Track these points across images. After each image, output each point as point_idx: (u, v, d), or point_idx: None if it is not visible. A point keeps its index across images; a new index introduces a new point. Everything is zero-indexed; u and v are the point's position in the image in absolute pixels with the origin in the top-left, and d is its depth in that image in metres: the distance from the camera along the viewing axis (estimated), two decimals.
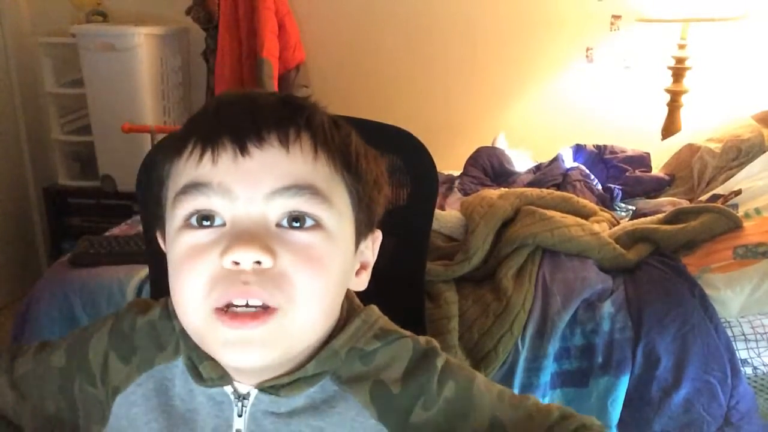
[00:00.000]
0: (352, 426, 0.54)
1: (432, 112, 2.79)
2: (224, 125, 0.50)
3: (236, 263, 0.47)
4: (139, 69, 2.61)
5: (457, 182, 2.14)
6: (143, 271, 1.47)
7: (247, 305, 0.48)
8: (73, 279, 1.50)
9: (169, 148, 0.54)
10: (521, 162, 2.31)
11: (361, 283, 0.58)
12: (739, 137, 2.02)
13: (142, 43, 2.59)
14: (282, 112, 0.51)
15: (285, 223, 0.50)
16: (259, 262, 0.48)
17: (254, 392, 0.55)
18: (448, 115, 2.81)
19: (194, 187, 0.49)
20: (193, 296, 0.49)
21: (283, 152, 0.49)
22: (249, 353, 0.49)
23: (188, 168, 0.51)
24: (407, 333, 0.60)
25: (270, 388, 0.54)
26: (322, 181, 0.51)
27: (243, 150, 0.48)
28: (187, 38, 2.90)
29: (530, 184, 2.03)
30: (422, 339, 0.59)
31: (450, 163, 2.21)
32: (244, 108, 0.51)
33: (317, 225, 0.50)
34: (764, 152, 1.86)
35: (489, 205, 1.57)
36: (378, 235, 0.59)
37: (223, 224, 0.49)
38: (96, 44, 2.60)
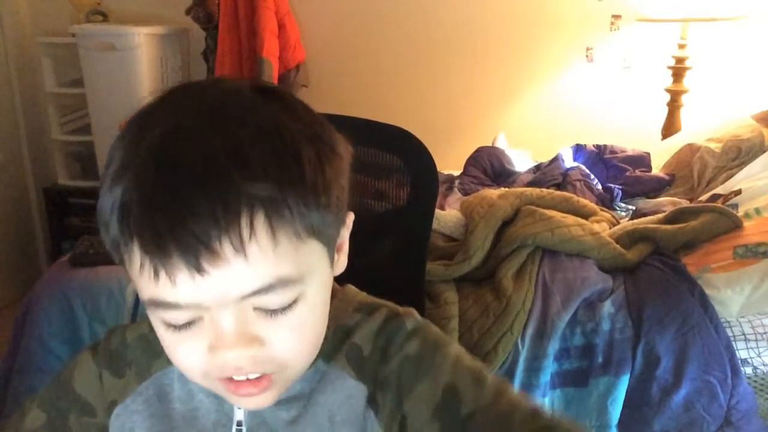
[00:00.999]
0: (333, 389, 0.56)
1: (432, 112, 2.79)
2: (170, 239, 0.43)
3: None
4: (139, 69, 2.61)
5: (457, 182, 2.14)
6: None
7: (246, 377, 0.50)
8: (73, 279, 1.50)
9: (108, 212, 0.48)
10: (521, 162, 2.31)
11: (340, 266, 0.56)
12: (739, 137, 2.02)
13: (142, 43, 2.59)
14: (221, 202, 0.44)
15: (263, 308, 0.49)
16: None
17: None
18: (448, 115, 2.81)
19: (161, 305, 0.47)
20: (194, 376, 0.52)
21: (240, 260, 0.44)
22: (253, 404, 0.53)
23: (145, 280, 0.46)
24: (387, 303, 0.60)
25: None
26: (290, 265, 0.47)
27: (200, 270, 0.44)
28: (187, 38, 2.91)
29: (530, 184, 2.03)
30: (401, 308, 0.59)
31: (450, 163, 2.21)
32: (176, 209, 0.44)
33: (295, 301, 0.49)
34: (764, 152, 1.86)
35: (489, 205, 1.57)
36: (350, 217, 0.56)
37: (202, 318, 0.48)
38: (96, 44, 2.60)
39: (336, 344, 0.57)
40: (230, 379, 0.50)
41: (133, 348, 0.62)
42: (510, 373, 1.36)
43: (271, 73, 2.57)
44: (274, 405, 0.56)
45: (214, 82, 0.52)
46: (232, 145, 0.45)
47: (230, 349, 0.47)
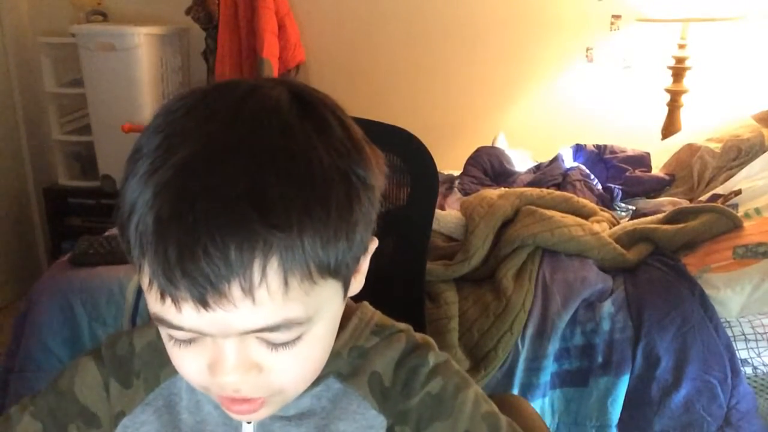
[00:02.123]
0: (354, 419, 0.56)
1: (432, 112, 2.79)
2: (179, 271, 0.42)
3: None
4: (139, 69, 2.61)
5: (457, 182, 2.14)
6: None
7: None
8: (73, 279, 1.50)
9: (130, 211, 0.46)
10: (521, 162, 2.31)
11: (356, 287, 0.55)
12: (739, 137, 2.02)
13: (142, 43, 2.59)
14: (237, 245, 0.42)
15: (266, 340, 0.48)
16: None
17: None
18: (448, 115, 2.81)
19: (164, 323, 0.47)
20: (191, 381, 0.52)
21: (247, 302, 0.43)
22: (246, 418, 0.55)
23: (152, 298, 0.46)
24: (403, 326, 0.60)
25: None
26: (299, 306, 0.46)
27: (205, 306, 0.43)
28: (187, 38, 2.90)
29: (530, 184, 2.03)
30: (418, 335, 0.60)
31: (450, 163, 2.21)
32: (189, 243, 0.42)
33: (299, 337, 0.48)
34: (764, 152, 1.86)
35: (489, 205, 1.57)
36: (374, 243, 0.54)
37: (205, 338, 0.48)
38: (96, 44, 2.60)
39: (353, 365, 0.57)
40: (226, 397, 0.50)
41: (141, 356, 0.61)
42: (510, 373, 1.36)
43: (271, 73, 2.57)
44: (285, 420, 0.56)
45: (253, 91, 0.48)
46: (256, 185, 0.43)
47: (229, 374, 0.47)
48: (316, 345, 0.50)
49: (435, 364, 0.57)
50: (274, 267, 0.43)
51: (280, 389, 0.50)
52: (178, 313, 0.44)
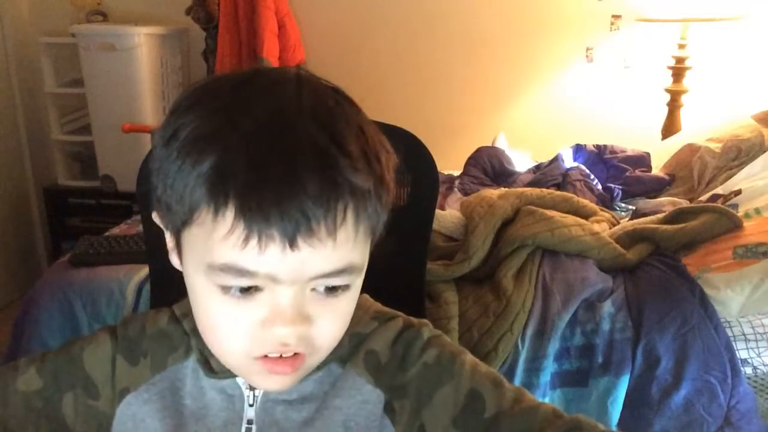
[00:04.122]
0: (350, 394, 0.57)
1: (432, 112, 2.79)
2: (275, 209, 0.45)
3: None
4: (139, 69, 2.61)
5: (457, 182, 2.14)
6: (143, 271, 1.47)
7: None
8: (73, 279, 1.50)
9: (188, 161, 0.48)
10: (521, 162, 2.31)
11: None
12: (739, 137, 2.02)
13: (142, 43, 2.59)
14: (329, 186, 0.46)
15: (321, 289, 0.51)
16: None
17: None
18: (448, 115, 2.81)
19: (238, 271, 0.47)
20: (231, 349, 0.52)
21: (330, 242, 0.47)
22: (278, 386, 0.54)
23: (229, 245, 0.46)
24: (400, 314, 0.62)
25: None
26: (359, 254, 0.50)
27: (293, 245, 0.46)
28: (187, 38, 2.91)
29: (530, 184, 2.03)
30: (415, 320, 0.61)
31: (450, 163, 2.21)
32: (288, 183, 0.45)
33: (347, 287, 0.52)
34: (764, 152, 1.86)
35: (489, 205, 1.57)
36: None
37: (263, 289, 0.49)
38: (96, 44, 2.60)
39: (352, 350, 0.59)
40: (266, 357, 0.51)
41: (150, 340, 0.63)
42: (510, 373, 1.36)
43: None
44: (287, 404, 0.57)
45: (296, 77, 0.52)
46: (336, 137, 0.47)
47: (286, 326, 0.49)
48: (352, 303, 0.53)
49: (429, 337, 0.59)
50: (351, 210, 0.47)
51: (319, 346, 0.52)
52: (258, 257, 0.46)
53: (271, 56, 2.57)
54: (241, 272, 0.47)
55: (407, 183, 0.96)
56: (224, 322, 0.51)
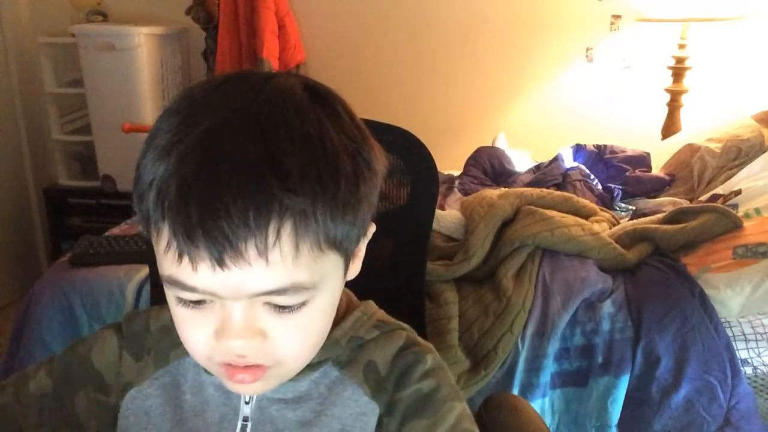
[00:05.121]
0: (348, 405, 0.57)
1: (432, 112, 2.79)
2: (200, 230, 0.45)
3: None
4: (139, 69, 2.61)
5: (457, 182, 2.14)
6: (143, 271, 1.47)
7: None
8: (73, 279, 1.50)
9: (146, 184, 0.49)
10: (521, 162, 2.31)
11: (353, 272, 0.57)
12: (739, 137, 2.02)
13: (142, 43, 2.59)
14: (255, 207, 0.45)
15: (273, 305, 0.50)
16: None
17: None
18: (448, 115, 2.81)
19: (181, 285, 0.49)
20: (196, 353, 0.53)
21: (261, 262, 0.46)
22: (248, 390, 0.56)
23: (168, 260, 0.48)
24: (405, 326, 0.62)
25: None
26: (305, 272, 0.48)
27: (222, 266, 0.46)
28: (187, 38, 2.91)
29: (530, 184, 2.03)
30: (421, 339, 0.61)
31: (450, 163, 2.21)
32: (211, 205, 0.45)
33: (304, 304, 0.50)
34: (764, 152, 1.86)
35: (489, 205, 1.57)
36: (372, 228, 0.56)
37: (214, 301, 0.50)
38: (96, 44, 2.60)
39: (351, 355, 0.59)
40: (228, 364, 0.52)
41: (154, 336, 0.64)
42: (510, 373, 1.36)
43: None
44: (282, 403, 0.57)
45: (269, 78, 0.52)
46: (275, 153, 0.46)
47: (235, 339, 0.49)
48: (317, 317, 0.52)
49: (432, 366, 0.58)
50: (287, 231, 0.46)
51: (282, 359, 0.52)
52: (193, 274, 0.47)
53: (271, 56, 2.57)
54: (183, 287, 0.48)
55: (407, 183, 0.96)
56: (185, 329, 0.52)
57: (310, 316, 0.51)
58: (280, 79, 0.52)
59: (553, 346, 1.37)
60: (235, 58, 2.66)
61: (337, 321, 0.58)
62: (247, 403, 0.59)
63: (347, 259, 0.53)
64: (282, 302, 0.49)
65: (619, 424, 1.37)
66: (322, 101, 0.52)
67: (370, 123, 0.92)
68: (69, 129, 2.89)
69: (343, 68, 2.83)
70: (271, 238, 0.46)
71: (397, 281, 0.98)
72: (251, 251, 0.45)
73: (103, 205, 2.76)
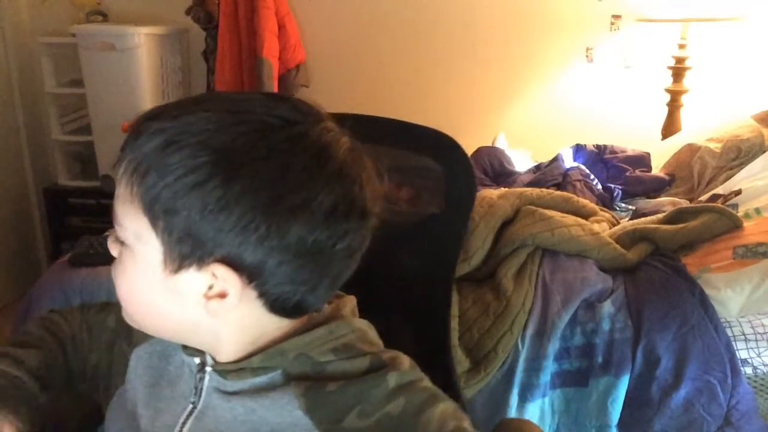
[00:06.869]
0: (280, 413, 0.56)
1: (432, 112, 2.78)
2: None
3: None
4: (139, 69, 2.61)
5: None
6: None
7: None
8: (73, 279, 1.50)
9: None
10: (521, 162, 2.31)
11: (210, 310, 0.54)
12: (739, 137, 2.02)
13: (142, 43, 2.59)
14: (133, 134, 0.53)
15: None
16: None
17: (209, 370, 0.60)
18: (448, 115, 2.80)
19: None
20: None
21: (119, 184, 0.54)
22: None
23: None
24: (374, 351, 0.58)
25: (221, 370, 0.59)
26: (129, 218, 0.53)
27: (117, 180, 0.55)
28: (187, 38, 2.90)
29: (530, 184, 2.03)
30: (388, 356, 0.58)
31: None
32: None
33: (122, 253, 0.56)
34: (764, 152, 1.87)
35: (489, 205, 1.57)
36: (222, 273, 0.52)
37: None
38: (96, 44, 2.60)
39: (303, 369, 0.57)
40: None
41: None
42: (510, 373, 1.36)
43: (271, 73, 2.57)
44: (225, 396, 0.58)
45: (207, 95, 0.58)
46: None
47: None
48: (124, 274, 0.57)
49: (397, 384, 0.55)
50: (123, 165, 0.53)
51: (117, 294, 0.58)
52: None
53: (271, 56, 2.57)
54: None
55: (441, 188, 0.88)
56: None
57: (123, 268, 0.56)
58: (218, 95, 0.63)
59: (553, 346, 1.37)
60: (235, 58, 2.66)
61: (299, 332, 0.57)
62: (196, 387, 0.60)
63: (168, 254, 0.52)
64: (117, 232, 0.55)
65: (619, 424, 1.37)
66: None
67: (400, 123, 0.89)
68: (69, 129, 2.89)
69: (343, 68, 2.83)
70: (122, 161, 0.53)
71: (423, 291, 0.92)
72: (119, 170, 0.53)
73: (103, 205, 2.75)
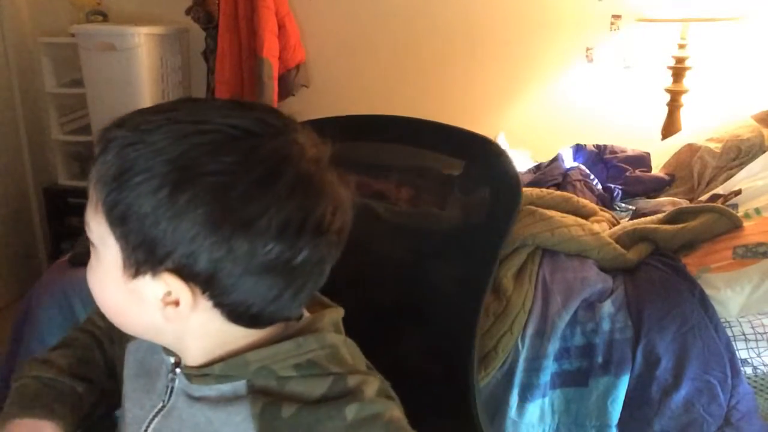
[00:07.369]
0: (235, 429, 0.55)
1: (432, 112, 2.76)
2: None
3: None
4: (139, 69, 2.61)
5: None
6: None
7: None
8: (73, 279, 1.50)
9: None
10: (521, 162, 2.31)
11: (166, 316, 0.54)
12: (739, 137, 2.02)
13: (142, 43, 2.59)
14: (99, 141, 0.57)
15: None
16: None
17: (178, 371, 0.61)
18: (447, 115, 2.77)
19: None
20: None
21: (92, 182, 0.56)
22: None
23: None
24: (339, 371, 0.56)
25: (187, 374, 0.59)
26: (97, 221, 0.54)
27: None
28: (187, 38, 2.90)
29: (530, 184, 2.02)
30: (354, 381, 0.55)
31: None
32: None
33: (95, 255, 0.57)
34: (764, 152, 1.86)
35: None
36: (172, 282, 0.52)
37: None
38: (96, 44, 2.60)
39: (264, 381, 0.56)
40: None
41: None
42: (510, 373, 1.36)
43: (271, 73, 2.57)
44: (191, 400, 0.58)
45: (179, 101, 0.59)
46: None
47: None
48: (94, 277, 0.58)
49: (354, 419, 0.53)
50: (93, 170, 0.55)
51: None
52: None
53: (271, 56, 2.57)
54: None
55: (484, 195, 0.84)
56: None
57: (92, 269, 0.58)
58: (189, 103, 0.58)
59: (553, 346, 1.37)
60: (235, 58, 2.66)
61: (268, 342, 0.56)
62: (169, 386, 0.61)
63: (127, 257, 0.53)
64: (90, 231, 0.56)
65: (619, 424, 1.37)
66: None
67: (439, 126, 0.85)
68: (69, 129, 2.89)
69: (343, 68, 2.83)
70: (96, 169, 0.55)
71: (458, 300, 0.86)
72: (93, 173, 0.55)
73: None
